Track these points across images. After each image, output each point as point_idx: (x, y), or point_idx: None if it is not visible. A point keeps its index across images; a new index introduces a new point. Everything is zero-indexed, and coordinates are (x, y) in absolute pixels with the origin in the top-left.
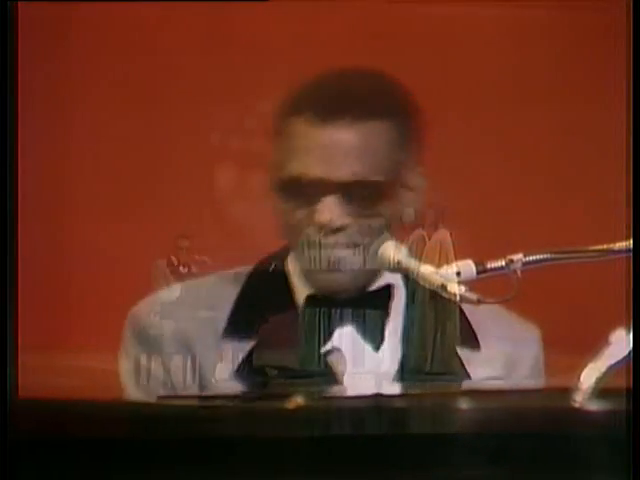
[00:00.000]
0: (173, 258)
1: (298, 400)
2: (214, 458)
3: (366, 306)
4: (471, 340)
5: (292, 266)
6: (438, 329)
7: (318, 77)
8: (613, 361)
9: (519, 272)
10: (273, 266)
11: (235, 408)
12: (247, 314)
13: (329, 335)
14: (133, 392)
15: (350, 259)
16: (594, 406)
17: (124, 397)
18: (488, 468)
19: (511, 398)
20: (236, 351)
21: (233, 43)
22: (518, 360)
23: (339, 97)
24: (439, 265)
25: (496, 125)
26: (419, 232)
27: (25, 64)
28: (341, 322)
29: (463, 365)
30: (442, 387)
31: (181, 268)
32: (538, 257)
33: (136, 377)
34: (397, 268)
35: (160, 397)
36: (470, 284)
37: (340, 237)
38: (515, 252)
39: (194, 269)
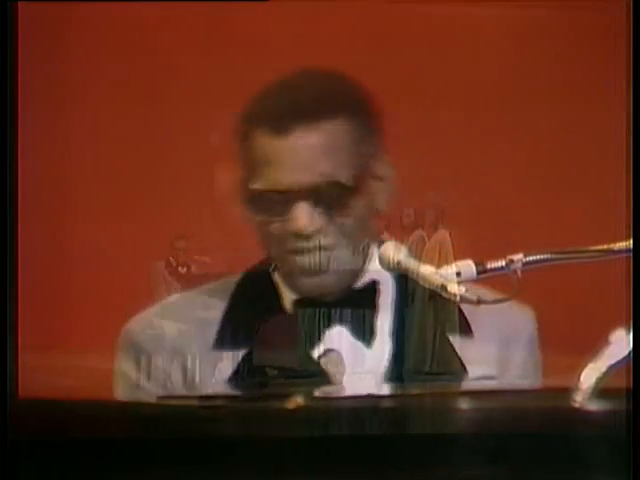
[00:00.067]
0: (172, 259)
1: (297, 400)
2: (214, 458)
3: (354, 304)
4: (464, 328)
5: (277, 274)
6: (437, 328)
7: (267, 86)
8: (613, 361)
9: (519, 272)
10: (260, 274)
11: (235, 408)
12: (238, 322)
13: (320, 338)
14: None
15: (332, 260)
16: (594, 406)
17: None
18: (488, 468)
19: (511, 398)
20: (228, 362)
21: (233, 43)
22: (513, 340)
23: (291, 104)
24: (439, 265)
25: (496, 125)
26: (419, 232)
27: (25, 64)
28: (331, 323)
29: (460, 361)
30: (441, 387)
31: (180, 268)
32: (538, 257)
33: (131, 393)
34: (397, 268)
35: (160, 397)
36: (469, 284)
37: (318, 240)
38: (515, 252)
39: (193, 269)
